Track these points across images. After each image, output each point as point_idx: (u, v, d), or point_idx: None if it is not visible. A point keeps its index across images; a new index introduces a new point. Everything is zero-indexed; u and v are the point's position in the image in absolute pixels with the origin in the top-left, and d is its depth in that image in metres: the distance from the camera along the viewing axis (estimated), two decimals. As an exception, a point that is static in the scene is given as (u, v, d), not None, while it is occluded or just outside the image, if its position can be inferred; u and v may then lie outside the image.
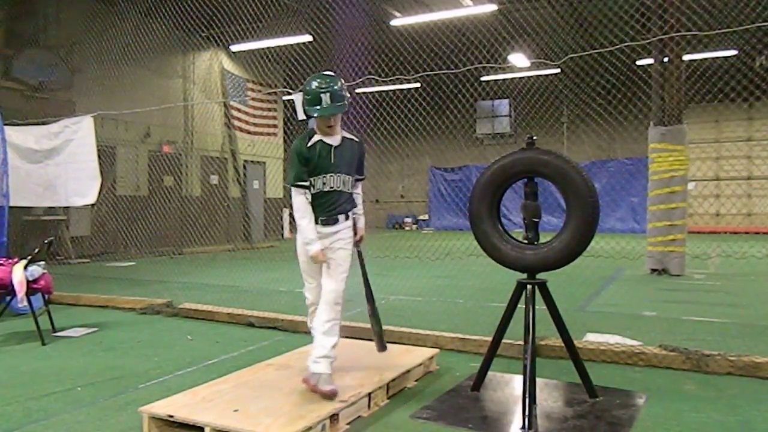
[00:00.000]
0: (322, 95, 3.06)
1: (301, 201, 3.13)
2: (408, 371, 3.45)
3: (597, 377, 3.34)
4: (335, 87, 3.08)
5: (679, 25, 7.71)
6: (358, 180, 3.33)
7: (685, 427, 2.85)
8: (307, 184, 3.13)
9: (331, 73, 3.18)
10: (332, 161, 3.14)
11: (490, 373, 3.37)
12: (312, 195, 3.15)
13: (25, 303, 4.71)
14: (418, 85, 12.50)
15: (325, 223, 3.17)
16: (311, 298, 3.32)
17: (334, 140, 3.18)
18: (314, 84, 3.10)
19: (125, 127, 12.17)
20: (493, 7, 11.34)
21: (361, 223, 3.44)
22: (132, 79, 11.22)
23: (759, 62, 13.84)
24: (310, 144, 3.14)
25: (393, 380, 3.29)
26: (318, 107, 3.07)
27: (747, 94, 10.45)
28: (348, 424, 2.88)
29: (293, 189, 3.14)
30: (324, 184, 3.13)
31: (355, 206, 3.34)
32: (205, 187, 14.52)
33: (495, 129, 20.11)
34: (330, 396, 2.90)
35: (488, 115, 20.03)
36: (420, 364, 3.61)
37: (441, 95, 11.90)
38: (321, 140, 3.15)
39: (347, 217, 3.25)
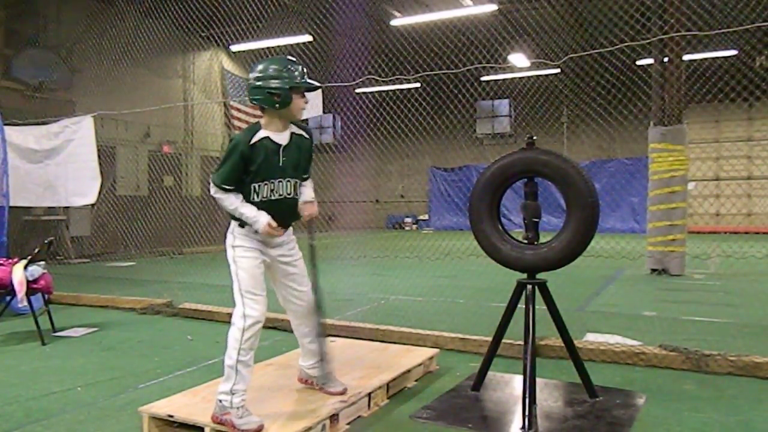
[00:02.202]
0: (301, 69, 2.72)
1: (230, 196, 2.66)
2: (408, 371, 3.45)
3: (597, 377, 3.34)
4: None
5: (679, 25, 7.71)
6: (304, 180, 2.90)
7: (685, 427, 2.85)
8: (233, 188, 2.67)
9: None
10: (280, 164, 2.71)
11: (490, 373, 3.36)
12: (256, 204, 2.70)
13: (25, 303, 4.72)
14: (418, 85, 12.49)
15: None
16: (258, 313, 2.64)
17: (283, 137, 2.74)
18: (284, 61, 2.71)
19: (125, 127, 12.18)
20: (493, 7, 11.35)
21: (307, 194, 2.90)
22: (132, 79, 11.23)
23: (759, 62, 13.84)
24: (253, 141, 2.66)
25: (393, 380, 3.29)
26: (303, 80, 2.69)
27: (747, 94, 10.46)
28: (348, 424, 2.88)
29: (217, 190, 2.66)
30: (272, 191, 2.71)
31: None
32: (205, 187, 14.51)
33: (495, 129, 20.11)
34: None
35: (488, 115, 20.03)
36: (420, 364, 3.61)
37: (441, 95, 11.89)
38: (268, 137, 2.70)
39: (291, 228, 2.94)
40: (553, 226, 4.88)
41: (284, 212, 2.79)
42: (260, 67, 2.71)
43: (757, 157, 16.81)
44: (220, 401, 2.62)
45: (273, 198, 2.73)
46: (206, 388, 3.05)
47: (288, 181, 2.76)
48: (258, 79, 2.69)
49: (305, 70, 2.76)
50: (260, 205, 2.70)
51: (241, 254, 2.73)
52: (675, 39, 7.82)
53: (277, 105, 2.68)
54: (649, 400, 3.20)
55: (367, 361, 3.54)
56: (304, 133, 2.85)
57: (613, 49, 5.16)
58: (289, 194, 2.78)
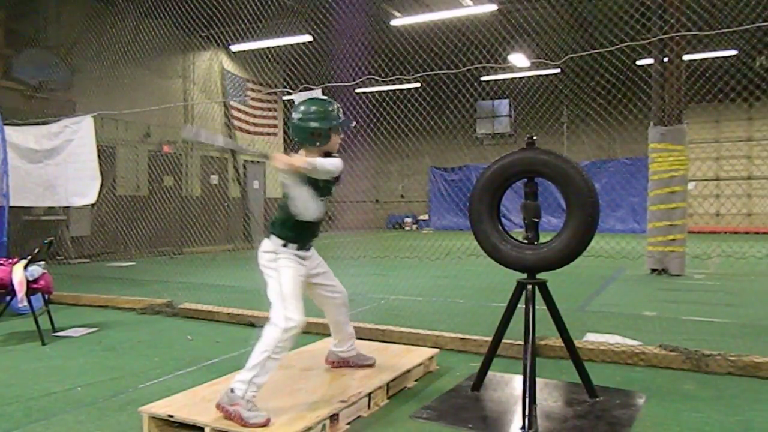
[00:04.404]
0: (337, 108, 2.97)
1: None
2: (408, 371, 3.45)
3: (597, 377, 3.34)
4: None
5: (679, 25, 7.71)
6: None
7: (685, 427, 2.85)
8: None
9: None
10: (320, 184, 2.94)
11: (490, 373, 3.37)
12: (300, 222, 2.93)
13: (25, 303, 4.71)
14: (418, 85, 12.50)
15: (308, 248, 3.05)
16: (300, 318, 2.79)
17: None
18: (323, 103, 2.96)
19: (125, 127, 12.16)
20: (493, 7, 11.35)
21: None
22: (132, 79, 11.22)
23: (759, 62, 13.84)
24: None
25: (393, 380, 3.29)
26: (339, 120, 2.94)
27: (747, 94, 10.46)
28: (348, 424, 2.88)
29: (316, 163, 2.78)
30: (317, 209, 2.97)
31: None
32: (205, 187, 14.51)
33: (495, 129, 20.11)
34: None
35: (488, 115, 20.03)
36: (420, 364, 3.61)
37: (441, 95, 11.89)
38: None
39: None
40: (553, 226, 4.89)
41: (316, 229, 3.07)
42: (302, 108, 2.94)
43: (757, 157, 16.81)
44: (233, 390, 2.66)
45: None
46: (206, 388, 3.05)
47: (323, 200, 3.01)
48: (301, 120, 2.92)
49: (341, 109, 3.01)
50: (303, 225, 2.93)
51: (285, 264, 2.91)
52: (675, 39, 7.82)
53: (318, 143, 2.93)
54: (649, 400, 3.20)
55: (367, 361, 3.54)
56: None
57: (613, 49, 5.15)
58: (323, 212, 3.04)
